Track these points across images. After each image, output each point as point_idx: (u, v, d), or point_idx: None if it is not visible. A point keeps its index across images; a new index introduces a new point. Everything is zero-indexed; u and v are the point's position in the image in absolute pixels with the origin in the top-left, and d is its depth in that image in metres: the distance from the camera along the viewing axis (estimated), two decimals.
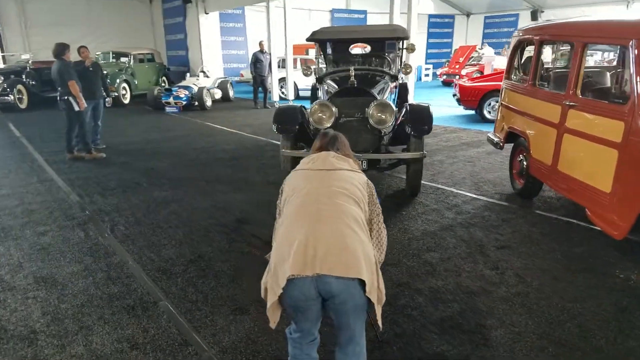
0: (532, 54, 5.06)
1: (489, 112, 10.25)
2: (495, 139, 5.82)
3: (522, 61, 5.52)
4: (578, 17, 4.96)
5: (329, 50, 7.95)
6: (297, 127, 5.17)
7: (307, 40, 6.87)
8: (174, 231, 4.50)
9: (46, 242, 4.28)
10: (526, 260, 3.74)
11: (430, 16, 28.71)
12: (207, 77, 15.52)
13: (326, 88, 6.33)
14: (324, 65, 7.19)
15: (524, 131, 4.97)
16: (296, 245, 1.86)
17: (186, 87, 13.86)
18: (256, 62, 13.51)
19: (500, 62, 18.30)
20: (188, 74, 15.97)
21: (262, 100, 14.08)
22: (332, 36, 6.94)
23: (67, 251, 4.08)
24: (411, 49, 6.50)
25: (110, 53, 15.51)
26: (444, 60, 26.49)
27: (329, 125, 5.10)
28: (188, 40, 18.27)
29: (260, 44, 13.61)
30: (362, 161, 5.04)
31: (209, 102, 14.00)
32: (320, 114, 5.14)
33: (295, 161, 5.36)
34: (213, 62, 17.64)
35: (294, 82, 15.31)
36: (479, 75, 17.45)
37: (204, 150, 8.11)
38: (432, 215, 4.77)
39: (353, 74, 5.39)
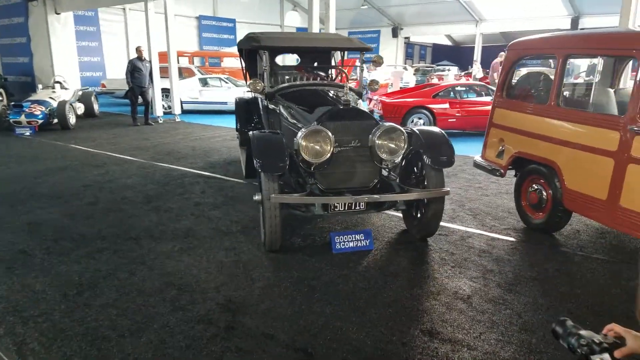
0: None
1: None
2: (491, 166, 5.06)
3: (523, 80, 4.85)
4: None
5: (255, 60, 6.63)
6: (287, 162, 3.78)
7: (253, 47, 5.46)
8: (133, 343, 2.79)
9: None
10: None
11: (298, 29, 28.46)
12: (65, 88, 12.76)
13: (283, 106, 5.02)
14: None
15: (548, 158, 4.23)
16: None
17: (42, 102, 11.10)
18: (134, 71, 11.41)
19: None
20: (40, 86, 12.97)
21: (143, 116, 11.94)
22: (279, 43, 5.62)
23: None
24: (378, 62, 5.49)
25: None
26: None
27: (326, 157, 3.84)
28: (32, 45, 15.01)
29: (139, 50, 11.50)
30: (361, 203, 3.88)
31: (72, 120, 11.43)
32: (313, 144, 3.84)
33: (287, 210, 3.98)
34: (68, 71, 14.67)
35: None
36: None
37: (101, 188, 6.09)
38: (472, 269, 3.76)
39: (348, 91, 4.20)
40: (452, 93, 10.10)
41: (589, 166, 3.82)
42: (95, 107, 13.54)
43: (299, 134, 3.86)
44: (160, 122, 12.32)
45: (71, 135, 10.22)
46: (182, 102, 13.67)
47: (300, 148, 3.82)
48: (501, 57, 17.36)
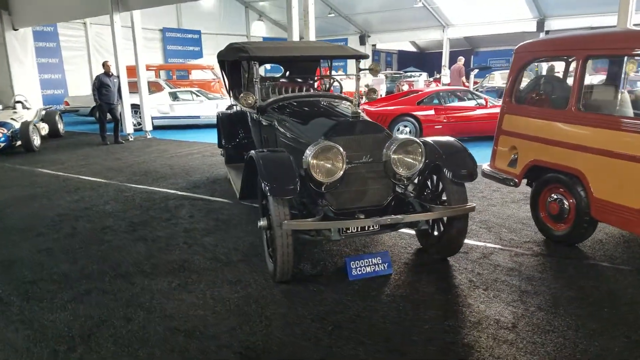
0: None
1: None
2: (502, 176, 4.80)
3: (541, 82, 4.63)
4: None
5: (238, 72, 6.26)
6: (298, 185, 3.41)
7: (241, 58, 5.08)
8: None
9: None
10: None
11: (264, 39, 28.21)
12: (27, 108, 12.02)
13: (279, 120, 4.67)
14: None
15: (570, 166, 3.99)
16: None
17: (3, 124, 10.35)
18: (101, 88, 10.81)
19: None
20: (0, 107, 12.18)
21: (112, 134, 11.33)
22: (270, 53, 5.25)
23: None
24: (376, 69, 5.20)
25: None
26: None
27: (339, 176, 3.50)
28: None
29: (106, 65, 10.91)
30: (375, 226, 3.56)
31: (37, 141, 10.73)
32: (324, 162, 3.50)
33: (297, 236, 3.61)
34: (29, 89, 13.85)
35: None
36: None
37: (78, 217, 5.55)
38: (506, 291, 3.44)
39: (356, 103, 3.88)
40: (436, 99, 9.93)
41: (621, 174, 3.57)
42: (60, 126, 12.85)
43: (308, 151, 3.49)
44: (131, 139, 11.73)
45: (37, 159, 9.54)
46: (152, 118, 13.10)
47: (310, 167, 3.46)
48: (460, 61, 17.40)
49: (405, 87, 19.65)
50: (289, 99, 5.02)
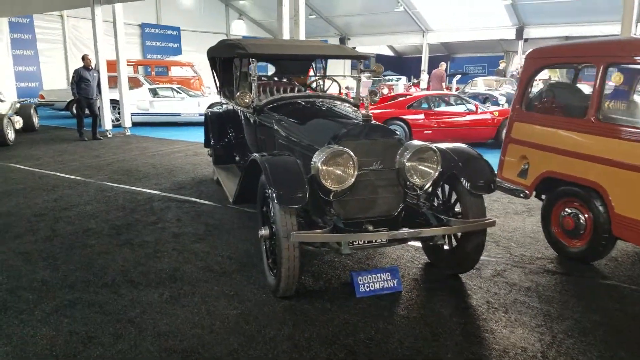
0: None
1: None
2: (511, 187, 4.61)
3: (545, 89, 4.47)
4: None
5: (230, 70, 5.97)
6: (307, 193, 3.16)
7: (238, 55, 4.80)
8: None
9: None
10: None
11: (244, 37, 27.81)
12: (1, 100, 11.43)
13: (277, 121, 4.43)
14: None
15: (588, 179, 3.79)
16: None
17: None
18: (80, 82, 10.37)
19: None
20: None
21: (91, 130, 10.85)
22: (267, 51, 4.99)
23: None
24: (378, 71, 4.99)
25: None
26: None
27: (350, 183, 3.27)
28: None
29: (86, 58, 10.45)
30: (382, 240, 3.34)
31: (11, 135, 10.24)
32: (334, 168, 3.26)
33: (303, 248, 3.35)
34: (3, 82, 13.24)
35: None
36: None
37: (57, 218, 5.18)
38: (527, 314, 3.24)
39: (367, 104, 3.67)
40: (425, 103, 9.80)
41: None
42: (35, 120, 12.33)
43: (317, 156, 3.25)
44: (109, 136, 11.29)
45: (12, 154, 9.04)
46: (131, 114, 12.65)
47: (319, 173, 3.22)
48: (442, 66, 17.39)
49: (385, 91, 19.55)
50: (288, 99, 4.77)
